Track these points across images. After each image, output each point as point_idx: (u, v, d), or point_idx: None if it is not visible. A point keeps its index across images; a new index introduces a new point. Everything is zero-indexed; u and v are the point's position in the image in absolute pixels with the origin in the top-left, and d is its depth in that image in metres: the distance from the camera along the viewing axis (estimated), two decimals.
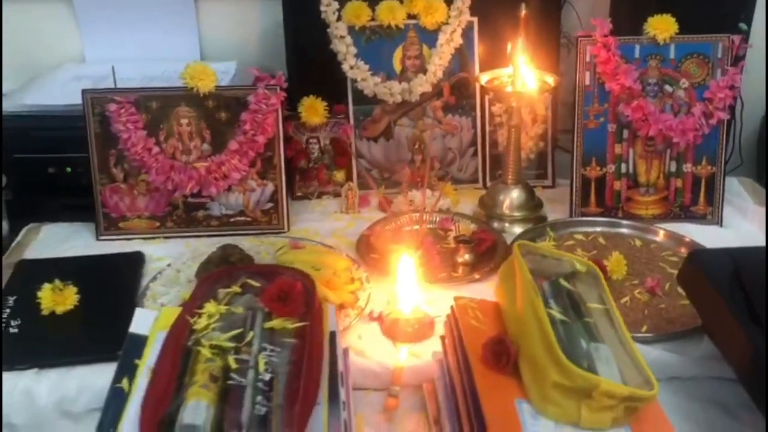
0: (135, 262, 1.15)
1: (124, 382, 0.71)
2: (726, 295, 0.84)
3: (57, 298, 1.01)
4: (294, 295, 0.73)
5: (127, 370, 0.72)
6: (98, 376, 0.92)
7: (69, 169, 1.24)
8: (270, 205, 1.25)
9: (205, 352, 0.66)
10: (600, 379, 0.65)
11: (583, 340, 0.72)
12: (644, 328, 0.99)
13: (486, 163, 1.40)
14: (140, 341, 0.75)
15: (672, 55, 1.21)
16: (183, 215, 1.24)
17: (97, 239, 1.23)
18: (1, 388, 0.89)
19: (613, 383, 0.66)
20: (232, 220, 1.25)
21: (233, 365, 0.65)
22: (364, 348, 0.97)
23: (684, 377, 0.95)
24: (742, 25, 1.22)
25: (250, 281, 0.77)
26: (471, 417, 0.71)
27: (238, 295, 0.75)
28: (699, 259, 0.90)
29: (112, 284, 1.09)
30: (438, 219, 1.26)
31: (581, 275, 0.83)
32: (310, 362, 0.67)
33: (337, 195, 1.36)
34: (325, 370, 0.69)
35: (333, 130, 1.35)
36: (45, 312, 1.01)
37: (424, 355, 0.96)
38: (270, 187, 1.24)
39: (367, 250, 1.17)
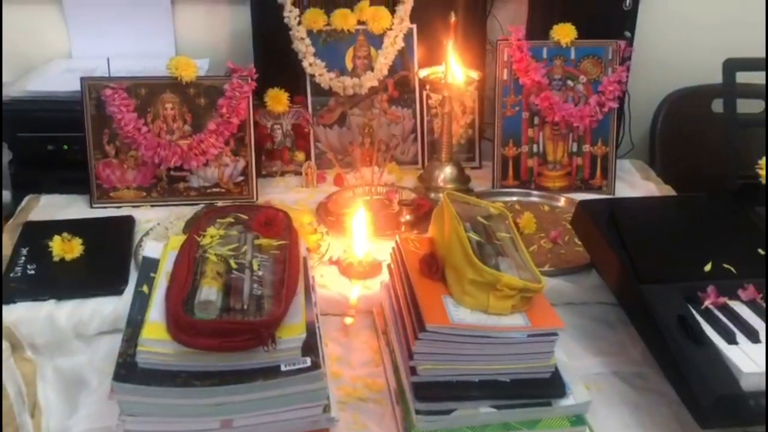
0: (127, 223, 1.35)
1: (144, 288, 0.92)
2: (604, 230, 1.10)
3: (65, 247, 1.21)
4: (277, 222, 0.95)
5: (146, 280, 0.94)
6: (107, 306, 1.12)
7: (66, 147, 1.43)
8: (241, 178, 1.47)
9: (212, 257, 0.88)
10: (502, 275, 0.90)
11: (493, 256, 0.97)
12: (547, 266, 1.25)
13: (424, 147, 1.65)
14: (153, 261, 0.97)
15: (573, 56, 1.49)
16: (166, 186, 1.45)
17: (91, 207, 1.43)
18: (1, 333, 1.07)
19: (512, 277, 0.90)
20: (208, 190, 1.46)
21: (234, 265, 0.87)
22: (326, 283, 1.20)
23: (577, 302, 1.21)
24: (627, 33, 1.51)
25: (239, 215, 0.99)
26: (411, 312, 0.94)
27: (231, 224, 0.97)
28: (585, 205, 1.16)
29: (110, 239, 1.28)
30: (384, 191, 1.50)
31: (494, 216, 1.08)
32: (291, 266, 0.89)
33: (298, 174, 1.59)
34: (301, 275, 0.92)
35: (294, 118, 1.58)
36: (56, 258, 1.20)
37: (373, 288, 1.19)
38: (242, 163, 1.46)
39: (325, 214, 1.41)
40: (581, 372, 1.05)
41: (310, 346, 0.84)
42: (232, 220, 0.98)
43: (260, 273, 0.87)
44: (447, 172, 1.52)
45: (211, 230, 0.94)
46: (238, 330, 0.78)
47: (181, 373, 0.79)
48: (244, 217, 0.99)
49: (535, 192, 1.50)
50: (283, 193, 1.53)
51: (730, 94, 1.20)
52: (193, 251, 0.90)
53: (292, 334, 0.82)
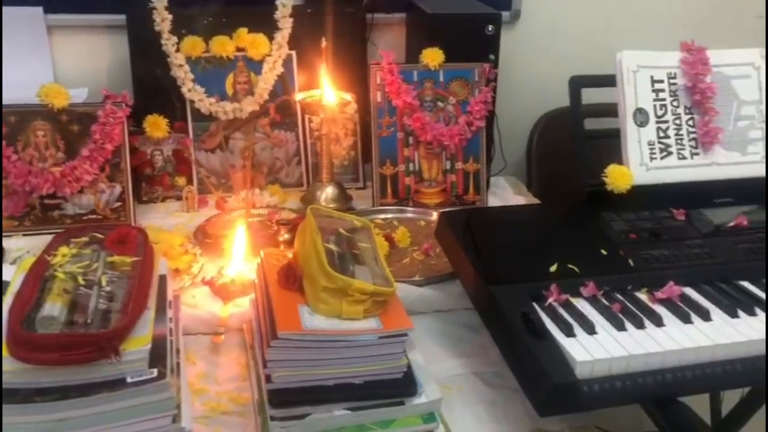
0: None
1: None
2: (461, 238, 1.16)
3: None
4: (130, 239, 0.96)
5: None
6: None
7: None
8: (118, 204, 1.46)
9: (60, 275, 0.88)
10: (353, 280, 0.94)
11: (351, 264, 1.01)
12: (417, 276, 1.29)
13: (309, 169, 1.69)
14: (6, 285, 0.95)
15: (442, 79, 1.57)
16: (40, 215, 1.43)
17: None
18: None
19: (362, 282, 0.94)
20: (84, 218, 1.45)
21: (81, 282, 0.87)
22: (198, 303, 1.21)
23: (444, 309, 1.26)
24: (491, 56, 1.60)
25: (96, 234, 0.99)
26: (266, 321, 0.96)
27: (86, 244, 0.97)
28: (446, 216, 1.22)
29: None
30: (266, 212, 1.53)
31: (358, 229, 1.12)
32: (141, 283, 0.90)
33: (179, 199, 1.59)
34: (154, 291, 0.93)
35: (175, 143, 1.59)
36: None
37: (244, 306, 1.21)
38: (118, 189, 1.46)
39: (203, 237, 1.42)
40: (443, 374, 1.09)
41: (158, 358, 0.84)
42: (87, 240, 0.98)
43: (108, 289, 0.87)
44: (328, 192, 1.56)
45: (63, 249, 0.94)
46: (78, 343, 0.78)
47: (21, 390, 0.79)
48: (100, 236, 0.99)
49: (410, 208, 1.56)
50: (164, 218, 1.53)
51: (576, 108, 1.29)
52: (41, 270, 0.90)
53: (137, 345, 0.82)
